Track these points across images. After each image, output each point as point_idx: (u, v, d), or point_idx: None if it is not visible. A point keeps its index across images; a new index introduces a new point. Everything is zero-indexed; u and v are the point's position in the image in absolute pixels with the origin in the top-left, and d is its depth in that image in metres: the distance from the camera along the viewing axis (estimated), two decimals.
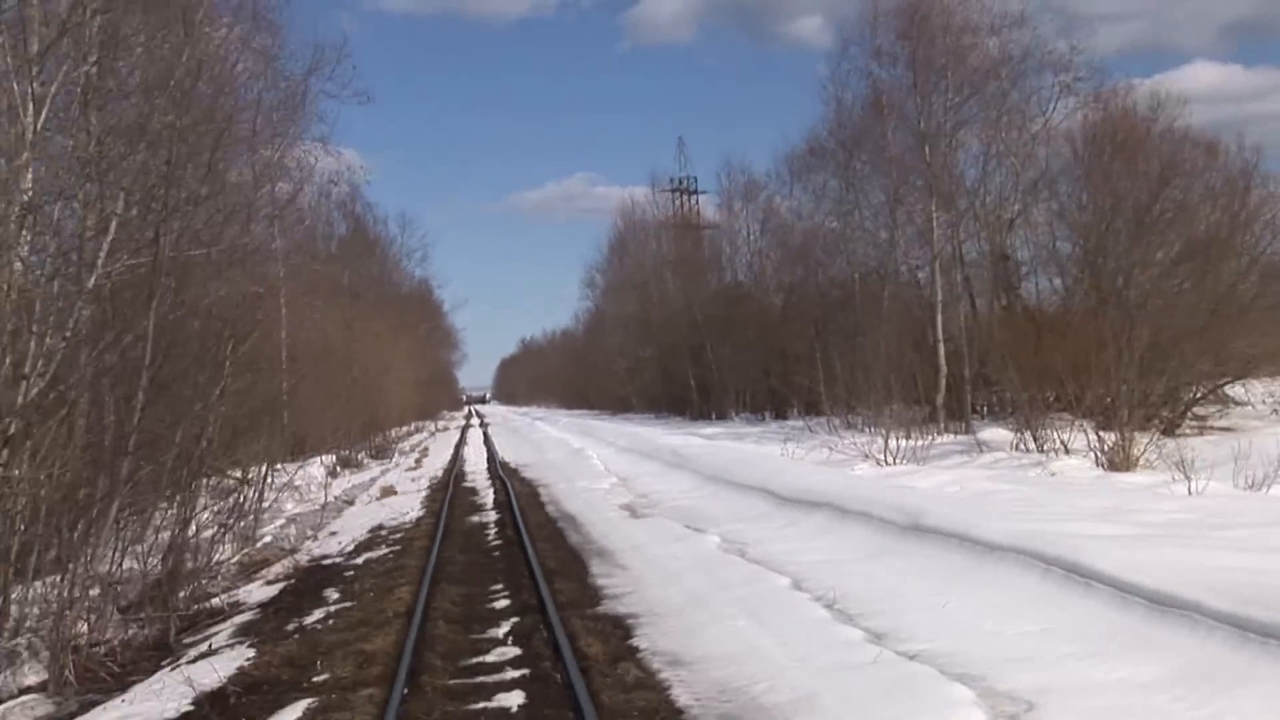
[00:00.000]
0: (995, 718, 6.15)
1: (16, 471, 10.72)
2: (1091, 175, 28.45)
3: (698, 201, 77.25)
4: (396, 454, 44.17)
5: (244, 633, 11.23)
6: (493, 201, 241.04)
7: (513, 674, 8.38)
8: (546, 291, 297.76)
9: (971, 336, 29.34)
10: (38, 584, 11.32)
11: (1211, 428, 25.92)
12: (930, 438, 25.12)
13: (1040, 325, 26.84)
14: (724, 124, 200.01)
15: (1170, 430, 24.14)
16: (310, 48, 24.23)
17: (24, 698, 9.89)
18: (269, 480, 19.84)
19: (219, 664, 9.48)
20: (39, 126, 11.58)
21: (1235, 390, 28.23)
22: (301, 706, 7.82)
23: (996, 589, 9.22)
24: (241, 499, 17.63)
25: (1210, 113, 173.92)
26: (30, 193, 11.32)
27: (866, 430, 26.57)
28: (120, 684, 9.99)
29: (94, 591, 11.63)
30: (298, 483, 22.88)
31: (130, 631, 11.95)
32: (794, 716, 6.67)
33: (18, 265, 10.96)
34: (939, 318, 29.76)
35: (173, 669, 9.93)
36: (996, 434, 24.30)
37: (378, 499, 24.73)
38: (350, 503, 24.64)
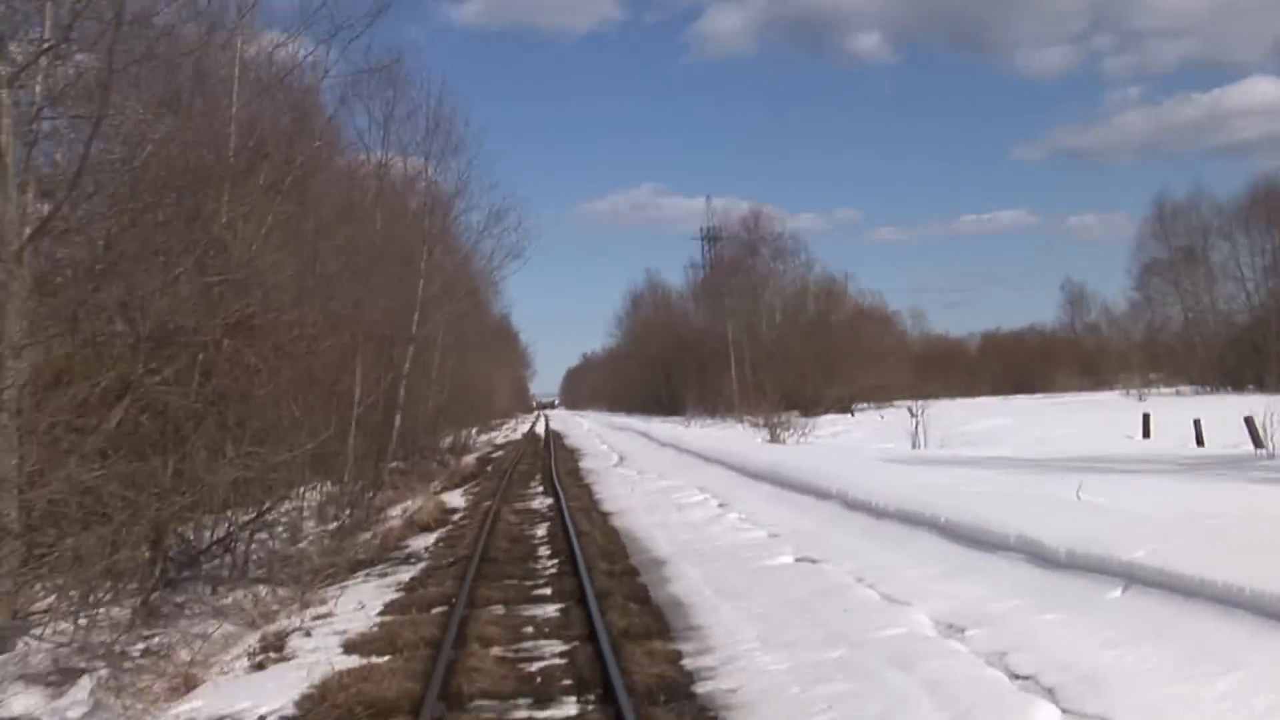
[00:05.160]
0: (631, 478, 45.65)
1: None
2: (796, 314, 68.05)
3: (720, 249, 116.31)
4: (501, 430, 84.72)
5: (482, 449, 51.37)
6: (561, 211, 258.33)
7: (541, 429, 49.22)
8: (612, 301, 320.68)
9: (745, 382, 68.35)
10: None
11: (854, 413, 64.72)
12: (717, 420, 64.57)
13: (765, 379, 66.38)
14: (785, 134, 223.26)
15: (808, 414, 63.01)
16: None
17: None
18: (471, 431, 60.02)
19: (480, 450, 49.98)
20: None
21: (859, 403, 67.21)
22: (505, 456, 48.06)
23: (672, 457, 48.80)
24: (465, 435, 57.62)
25: (1270, 126, 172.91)
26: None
27: (701, 417, 66.21)
28: (459, 459, 49.87)
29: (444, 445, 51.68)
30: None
31: (450, 456, 51.86)
32: (571, 434, 46.74)
33: None
34: (733, 376, 68.98)
35: (468, 454, 49.78)
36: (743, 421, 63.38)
37: (501, 439, 65.25)
38: (492, 440, 64.90)
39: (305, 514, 21.55)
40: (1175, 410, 37.61)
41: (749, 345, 69.61)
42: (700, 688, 7.87)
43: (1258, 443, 23.22)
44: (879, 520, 14.12)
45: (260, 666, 10.21)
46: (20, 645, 11.27)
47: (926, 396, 74.46)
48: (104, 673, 10.63)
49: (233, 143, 17.94)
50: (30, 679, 10.52)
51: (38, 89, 13.02)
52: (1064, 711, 6.41)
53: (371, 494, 27.33)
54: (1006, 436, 34.52)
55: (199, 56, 16.81)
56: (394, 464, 35.57)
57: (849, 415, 56.41)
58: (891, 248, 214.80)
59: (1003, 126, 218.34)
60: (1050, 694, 6.71)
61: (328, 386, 22.08)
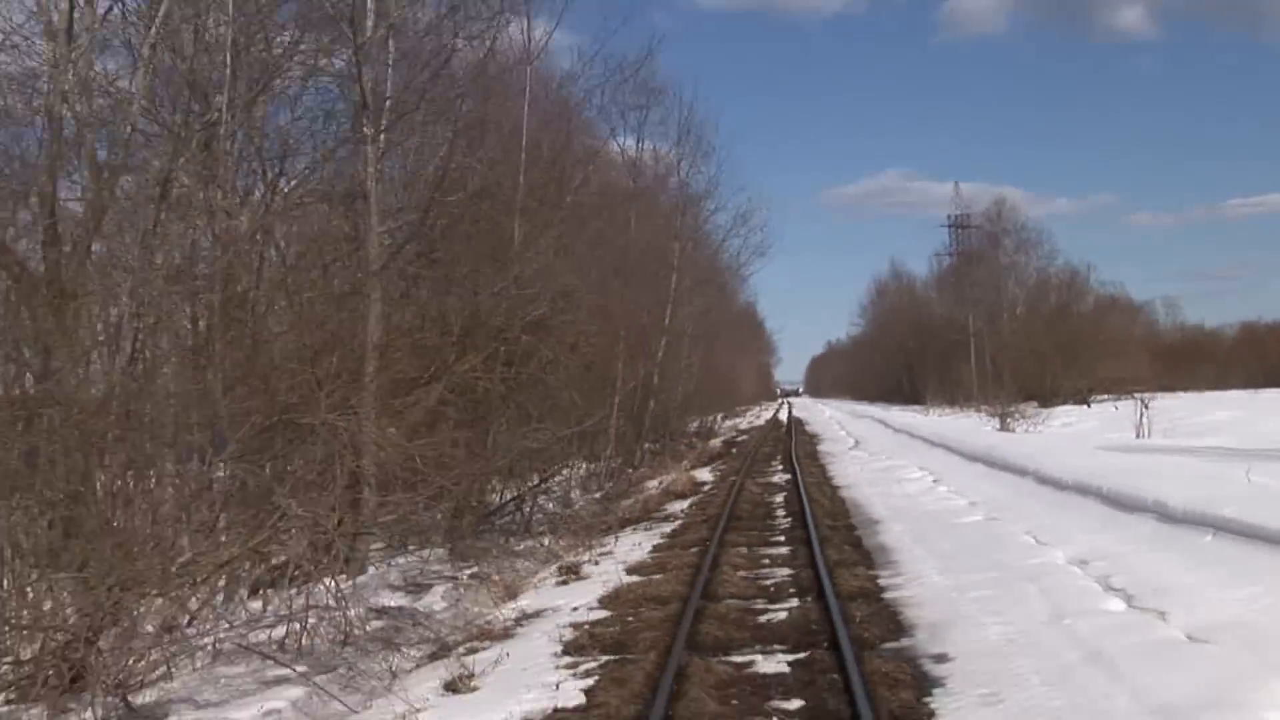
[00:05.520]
0: (866, 452, 48.56)
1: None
2: (1038, 305, 69.00)
3: (965, 237, 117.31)
4: (745, 416, 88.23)
5: (727, 434, 54.83)
6: (810, 196, 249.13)
7: (784, 416, 52.05)
8: (858, 287, 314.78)
9: (985, 372, 69.78)
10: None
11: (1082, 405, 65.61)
12: (955, 409, 66.33)
13: (1003, 369, 67.64)
14: (1039, 115, 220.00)
15: (1046, 405, 64.10)
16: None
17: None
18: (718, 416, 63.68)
19: (725, 431, 53.44)
20: None
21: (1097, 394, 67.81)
22: (749, 440, 51.44)
23: (904, 442, 51.51)
24: (710, 420, 61.26)
25: None
26: None
27: (940, 406, 68.06)
28: (705, 442, 53.49)
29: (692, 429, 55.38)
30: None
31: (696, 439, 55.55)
32: (812, 421, 49.71)
33: None
34: (972, 366, 70.47)
35: (713, 438, 53.30)
36: (980, 410, 65.08)
37: (745, 424, 68.69)
38: (736, 425, 68.39)
39: (573, 484, 25.35)
40: None
41: (989, 336, 71.04)
42: (886, 594, 10.98)
43: None
44: (1060, 492, 16.80)
45: (564, 583, 13.80)
46: (371, 570, 15.22)
47: (1173, 389, 74.21)
48: (447, 586, 14.42)
49: (522, 174, 21.79)
50: (394, 588, 14.42)
51: (382, 138, 16.98)
52: (1129, 606, 9.25)
53: (631, 469, 31.12)
54: (1232, 428, 35.71)
55: (499, 104, 20.71)
56: (647, 445, 39.32)
57: (1085, 406, 57.45)
58: (1151, 232, 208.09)
59: (1274, 104, 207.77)
60: (1127, 597, 9.53)
61: (599, 375, 25.85)
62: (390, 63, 16.40)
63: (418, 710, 8.05)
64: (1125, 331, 72.77)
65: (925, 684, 7.76)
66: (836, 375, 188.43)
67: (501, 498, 20.38)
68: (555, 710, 7.73)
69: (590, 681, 8.39)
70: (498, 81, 21.75)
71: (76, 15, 14.83)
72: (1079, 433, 39.34)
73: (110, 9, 16.05)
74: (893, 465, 27.77)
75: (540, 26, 23.17)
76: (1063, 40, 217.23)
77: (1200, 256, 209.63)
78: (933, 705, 7.27)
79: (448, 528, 17.23)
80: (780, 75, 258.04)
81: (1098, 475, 16.29)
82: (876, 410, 74.91)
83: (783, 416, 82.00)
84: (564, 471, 24.24)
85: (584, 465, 27.90)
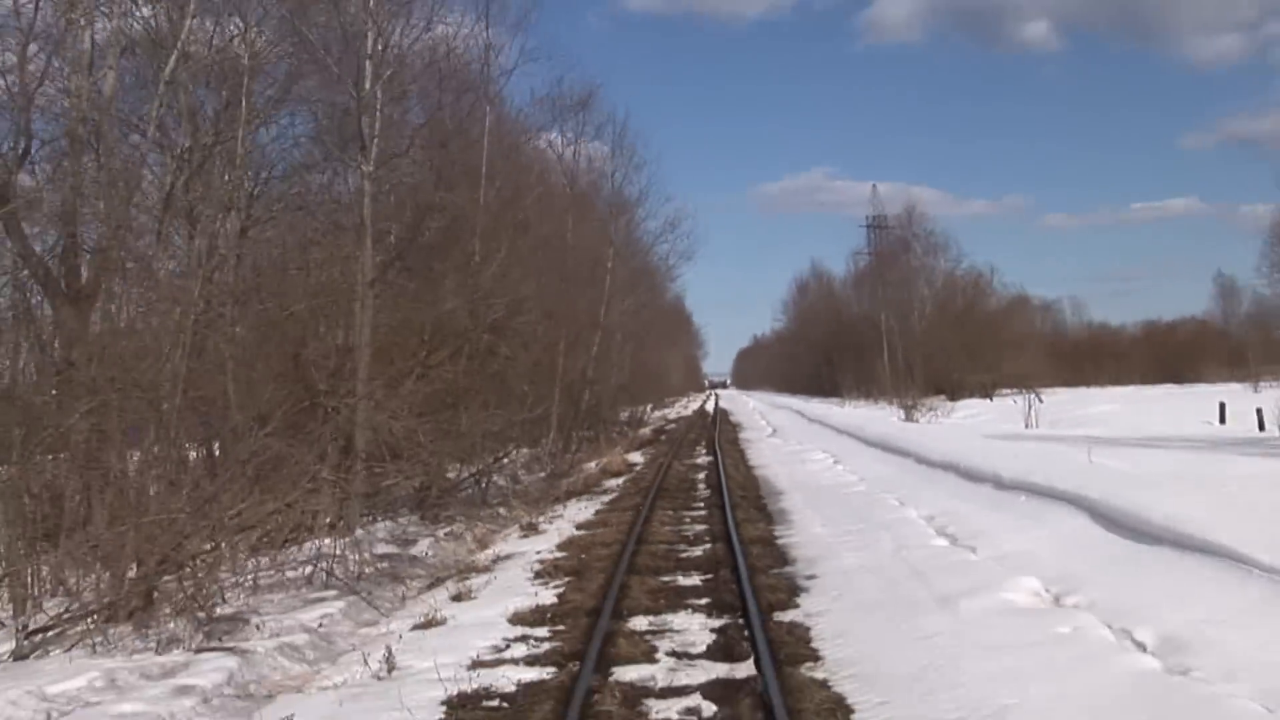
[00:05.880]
0: (765, 429, 52.23)
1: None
2: (946, 305, 73.29)
3: (885, 237, 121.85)
4: (674, 407, 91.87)
5: (656, 423, 58.30)
6: (733, 194, 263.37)
7: (711, 406, 55.65)
8: (784, 282, 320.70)
9: (897, 367, 74.03)
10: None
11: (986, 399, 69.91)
12: (869, 402, 70.39)
13: (914, 364, 71.89)
14: (955, 120, 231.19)
15: (954, 398, 68.26)
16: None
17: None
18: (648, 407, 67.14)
19: (654, 421, 56.89)
20: None
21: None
22: (677, 429, 54.92)
23: (816, 430, 55.23)
24: (640, 410, 64.72)
25: None
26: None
27: (856, 399, 72.12)
28: (636, 431, 56.93)
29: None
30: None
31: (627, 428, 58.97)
32: (736, 412, 53.33)
33: None
34: (885, 361, 74.66)
35: (643, 427, 56.75)
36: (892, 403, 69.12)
37: (674, 414, 72.29)
38: (665, 416, 71.91)
39: (519, 466, 28.59)
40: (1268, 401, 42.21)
41: (901, 333, 75.18)
42: (779, 540, 14.46)
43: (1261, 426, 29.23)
44: (931, 469, 20.46)
45: (526, 536, 17.12)
46: (360, 532, 18.35)
47: (1076, 384, 78.89)
48: (429, 540, 17.60)
49: (482, 197, 24.96)
50: (387, 541, 17.54)
51: (372, 177, 20.05)
52: (951, 544, 12.79)
53: (569, 453, 34.45)
54: (1108, 420, 39.72)
55: (466, 142, 23.98)
56: (583, 432, 42.58)
57: (988, 400, 61.63)
58: (1063, 234, 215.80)
59: (1172, 114, 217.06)
60: (952, 538, 13.06)
61: (545, 369, 29.14)
62: (380, 108, 19.52)
63: (437, 610, 11.29)
64: (1028, 330, 77.54)
65: (796, 590, 11.21)
66: (762, 368, 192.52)
67: (460, 475, 23.54)
68: (538, 606, 11.04)
69: (560, 591, 11.76)
70: (467, 122, 24.96)
71: (97, 54, 17.94)
72: (977, 423, 43.13)
73: (127, 48, 19.16)
74: (803, 449, 31.41)
75: (500, 67, 26.28)
76: (975, 50, 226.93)
77: (1106, 257, 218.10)
78: (798, 601, 10.71)
79: (417, 499, 20.45)
80: (708, 76, 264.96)
81: (961, 456, 19.95)
82: (797, 402, 78.93)
83: (709, 408, 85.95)
84: (512, 453, 27.48)
85: (526, 449, 31.10)
